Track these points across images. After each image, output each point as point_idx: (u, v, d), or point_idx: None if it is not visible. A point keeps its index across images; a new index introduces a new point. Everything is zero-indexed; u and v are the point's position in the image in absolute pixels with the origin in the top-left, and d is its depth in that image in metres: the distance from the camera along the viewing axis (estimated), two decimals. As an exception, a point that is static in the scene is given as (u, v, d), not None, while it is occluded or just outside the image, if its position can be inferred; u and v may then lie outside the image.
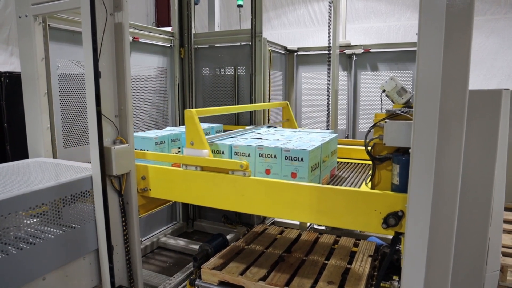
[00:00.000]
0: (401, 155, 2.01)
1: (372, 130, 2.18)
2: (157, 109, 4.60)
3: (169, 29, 4.92)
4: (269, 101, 4.67)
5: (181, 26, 4.78)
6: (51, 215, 2.18)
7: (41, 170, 2.55)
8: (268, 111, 4.71)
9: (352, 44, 5.36)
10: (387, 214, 2.00)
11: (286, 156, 2.46)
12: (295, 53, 5.74)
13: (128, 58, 2.46)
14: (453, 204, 1.63)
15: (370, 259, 3.11)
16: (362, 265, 3.00)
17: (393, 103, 3.51)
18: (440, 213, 1.65)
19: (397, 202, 1.97)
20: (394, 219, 1.96)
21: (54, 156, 3.06)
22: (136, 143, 2.92)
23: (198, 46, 4.82)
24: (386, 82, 3.46)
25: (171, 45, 4.71)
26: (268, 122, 4.71)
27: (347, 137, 5.46)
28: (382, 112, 3.80)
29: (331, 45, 4.86)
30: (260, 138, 2.90)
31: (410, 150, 1.72)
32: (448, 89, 1.58)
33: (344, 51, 5.32)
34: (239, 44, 4.61)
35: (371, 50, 5.24)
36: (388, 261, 2.20)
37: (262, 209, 2.43)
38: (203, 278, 3.11)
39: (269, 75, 4.67)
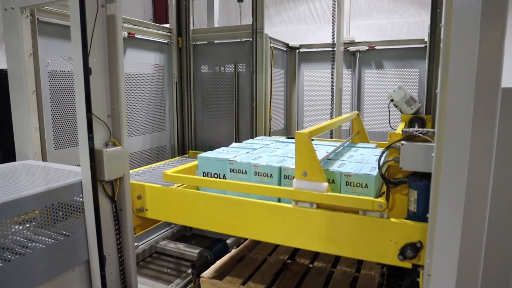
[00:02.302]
0: (419, 180, 1.86)
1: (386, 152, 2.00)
2: (154, 109, 4.42)
3: (166, 26, 4.73)
4: (270, 100, 4.49)
5: (179, 21, 4.59)
6: (37, 224, 2.00)
7: (28, 174, 2.37)
8: (270, 121, 4.52)
9: (356, 41, 5.18)
10: (404, 245, 1.82)
11: (347, 182, 2.08)
12: (297, 50, 5.56)
13: (121, 53, 2.28)
14: (480, 239, 1.44)
15: (378, 266, 2.94)
16: (372, 273, 2.83)
17: (401, 113, 3.36)
18: (468, 252, 1.44)
19: (415, 232, 1.80)
20: (412, 250, 1.78)
21: (44, 158, 2.88)
22: (207, 165, 2.56)
23: (197, 43, 4.64)
24: (394, 91, 3.29)
25: (168, 42, 4.52)
26: (270, 133, 4.52)
27: (351, 137, 5.29)
28: (389, 119, 3.65)
29: (335, 41, 4.68)
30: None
31: (431, 176, 1.54)
32: (482, 90, 1.36)
33: (348, 48, 5.14)
34: (239, 40, 4.43)
35: (376, 47, 5.06)
36: None
37: (262, 233, 2.20)
38: (202, 287, 2.95)
39: (271, 73, 4.49)
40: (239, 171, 2.38)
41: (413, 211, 1.87)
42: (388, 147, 1.95)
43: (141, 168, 3.82)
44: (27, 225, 1.97)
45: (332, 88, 4.88)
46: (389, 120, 3.53)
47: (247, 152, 2.66)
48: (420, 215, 1.82)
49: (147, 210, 2.59)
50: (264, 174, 2.28)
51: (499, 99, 1.34)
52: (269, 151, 2.74)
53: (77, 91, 2.09)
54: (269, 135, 4.52)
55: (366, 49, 5.09)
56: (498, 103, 1.35)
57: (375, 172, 2.04)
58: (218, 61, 4.59)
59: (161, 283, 3.45)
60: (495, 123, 1.36)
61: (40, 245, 1.99)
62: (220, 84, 4.62)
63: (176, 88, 4.66)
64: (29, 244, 1.96)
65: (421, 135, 1.86)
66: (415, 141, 1.88)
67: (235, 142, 4.57)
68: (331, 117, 4.89)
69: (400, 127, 3.04)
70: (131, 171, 3.56)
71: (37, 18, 2.79)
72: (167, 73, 4.58)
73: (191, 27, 4.62)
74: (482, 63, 1.35)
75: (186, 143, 4.84)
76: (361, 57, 5.16)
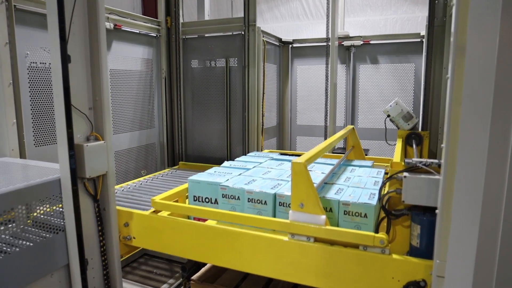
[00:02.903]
0: (422, 213, 1.76)
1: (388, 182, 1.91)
2: (142, 105, 4.24)
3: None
4: (263, 96, 4.34)
5: (168, 13, 4.42)
6: (9, 226, 1.82)
7: (3, 172, 2.18)
8: (263, 117, 4.38)
9: (351, 35, 5.07)
10: (407, 283, 1.71)
11: (345, 211, 1.98)
12: (290, 45, 5.43)
13: (104, 40, 2.11)
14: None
15: None
16: None
17: (398, 128, 3.25)
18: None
19: (419, 270, 1.70)
20: None
21: (23, 155, 2.69)
22: (197, 189, 2.39)
23: (187, 36, 4.47)
24: (391, 106, 3.18)
25: (157, 35, 4.35)
26: (263, 130, 4.38)
27: (345, 134, 5.16)
28: (385, 134, 3.50)
29: (329, 36, 4.55)
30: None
31: (436, 211, 1.43)
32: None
33: (342, 43, 5.02)
34: (230, 34, 4.27)
35: (371, 42, 4.95)
36: None
37: (257, 266, 2.05)
38: (192, 291, 2.80)
39: (263, 67, 4.34)
40: (232, 197, 2.23)
41: (415, 246, 1.78)
42: (390, 178, 1.85)
43: (129, 183, 3.67)
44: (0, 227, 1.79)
45: (326, 84, 4.75)
46: (385, 135, 3.41)
47: (240, 174, 2.51)
48: (423, 250, 1.74)
49: (134, 238, 2.42)
50: (258, 201, 2.14)
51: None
52: (263, 171, 2.59)
53: (54, 80, 1.92)
54: (262, 132, 4.37)
55: (361, 44, 4.97)
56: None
57: (374, 200, 1.94)
58: (209, 55, 4.42)
59: (150, 287, 3.27)
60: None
61: (14, 248, 1.82)
62: (211, 80, 4.46)
63: (165, 83, 4.48)
64: (1, 248, 1.78)
65: (424, 166, 1.75)
66: (418, 172, 1.77)
67: (227, 137, 4.44)
68: (326, 114, 4.75)
69: (398, 146, 2.92)
70: (117, 186, 3.43)
71: (14, 6, 2.61)
72: (156, 67, 4.40)
73: (181, 20, 4.45)
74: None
75: (175, 141, 4.67)
76: (355, 52, 5.05)
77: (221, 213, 2.17)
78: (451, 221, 1.32)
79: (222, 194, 2.25)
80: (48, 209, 2.01)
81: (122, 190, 3.45)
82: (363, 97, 5.10)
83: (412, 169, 1.79)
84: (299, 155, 3.25)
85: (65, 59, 1.89)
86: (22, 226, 1.88)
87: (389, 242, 1.81)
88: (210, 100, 4.49)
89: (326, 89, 4.74)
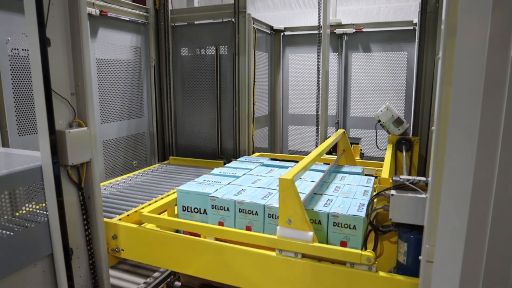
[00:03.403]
0: (409, 231, 1.78)
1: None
2: (131, 93, 4.16)
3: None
4: (254, 84, 4.28)
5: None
6: (-11, 214, 1.76)
7: (-17, 160, 2.12)
8: (253, 105, 4.32)
9: (343, 23, 5.01)
10: None
11: (334, 223, 2.00)
12: (282, 33, 5.36)
13: (85, 23, 2.04)
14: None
15: None
16: None
17: (388, 133, 3.22)
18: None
19: (405, 287, 1.73)
20: None
21: (5, 144, 2.63)
22: (186, 199, 2.39)
23: (176, 24, 4.38)
24: (381, 111, 3.15)
25: (145, 22, 4.26)
26: (254, 119, 4.33)
27: (337, 123, 5.14)
28: (376, 139, 3.46)
29: (321, 24, 4.48)
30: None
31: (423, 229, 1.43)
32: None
33: (335, 31, 4.96)
34: (221, 21, 4.19)
35: (363, 30, 4.90)
36: None
37: (245, 281, 2.06)
38: (182, 280, 2.77)
39: (254, 55, 4.28)
40: (221, 208, 2.24)
41: (402, 263, 1.80)
42: (378, 195, 1.87)
43: (118, 179, 3.62)
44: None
45: (318, 72, 4.69)
46: (376, 140, 3.43)
47: (229, 183, 2.51)
48: (409, 268, 1.76)
49: (123, 250, 2.41)
50: (249, 212, 2.17)
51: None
52: (252, 180, 2.60)
53: (33, 64, 1.85)
54: (253, 121, 4.32)
55: (353, 32, 4.92)
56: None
57: (363, 212, 1.97)
58: (199, 43, 4.35)
59: (138, 277, 3.23)
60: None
61: (-6, 238, 1.76)
62: (201, 68, 4.38)
63: (154, 71, 4.41)
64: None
65: (411, 185, 1.77)
66: (405, 190, 1.79)
67: (218, 126, 4.38)
68: (318, 102, 4.71)
69: (388, 154, 2.90)
70: (105, 183, 3.38)
71: (-7, -11, 2.53)
72: (145, 55, 4.32)
73: (170, 7, 4.36)
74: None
75: (165, 130, 4.60)
76: (348, 40, 4.99)
77: (210, 228, 2.19)
78: (440, 203, 1.28)
79: (212, 205, 2.26)
80: (30, 197, 1.95)
81: (111, 186, 3.40)
82: (355, 86, 5.06)
83: (399, 186, 1.81)
84: (289, 161, 3.27)
85: (44, 42, 1.82)
86: (5, 217, 1.82)
87: (377, 257, 1.84)
88: (200, 89, 4.43)
89: (318, 78, 4.69)
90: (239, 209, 2.18)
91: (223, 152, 4.42)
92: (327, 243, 2.04)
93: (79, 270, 2.16)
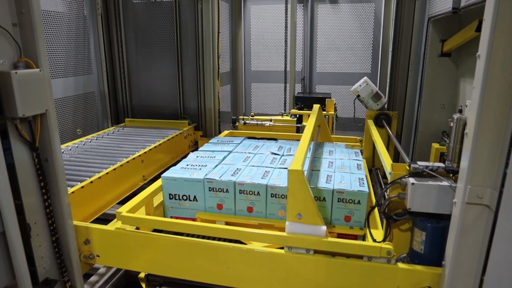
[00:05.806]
0: (427, 219, 1.66)
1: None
2: (76, 47, 3.55)
3: None
4: (218, 35, 3.87)
5: None
6: None
7: None
8: (218, 59, 3.91)
9: (308, -30, 4.68)
10: None
11: (339, 199, 1.97)
12: (242, -18, 4.92)
13: None
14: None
15: None
16: None
17: (367, 108, 3.10)
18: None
19: (425, 278, 1.63)
20: None
21: None
22: (173, 187, 2.14)
23: (125, -36, 3.78)
24: (360, 86, 2.97)
25: (87, -40, 3.60)
26: (219, 75, 3.92)
27: (303, 79, 4.91)
28: (354, 115, 3.28)
29: (287, -31, 4.14)
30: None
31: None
32: None
33: (300, -21, 4.63)
34: (178, -39, 3.68)
35: (330, -22, 4.62)
36: None
37: (250, 283, 1.83)
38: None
39: (218, 2, 3.84)
40: (220, 190, 2.10)
41: (418, 251, 1.69)
42: (393, 183, 1.70)
43: (69, 144, 3.13)
44: None
45: (286, 24, 4.38)
46: (354, 116, 3.29)
47: (217, 165, 2.31)
48: (427, 257, 1.67)
49: (98, 256, 2.03)
50: (251, 192, 2.06)
51: None
52: (241, 158, 2.45)
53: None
54: (218, 76, 3.94)
55: (319, -19, 4.62)
56: None
57: (365, 187, 2.00)
58: (153, -13, 3.81)
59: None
60: None
61: None
62: (157, 17, 3.87)
63: (102, 21, 3.80)
64: None
65: (431, 172, 1.63)
66: (423, 178, 1.64)
67: (179, 83, 3.95)
68: (285, 58, 4.43)
69: (372, 129, 2.76)
70: None
71: None
72: (90, 3, 3.69)
73: None
74: None
75: (118, 89, 4.07)
76: (313, -10, 4.69)
77: (208, 227, 1.88)
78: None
79: (209, 188, 2.10)
80: (-33, 162, 1.48)
81: (63, 152, 2.90)
82: (321, 40, 4.82)
83: (417, 174, 1.66)
84: (268, 139, 2.97)
85: None
86: None
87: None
88: (157, 41, 3.93)
89: (286, 30, 4.38)
90: (240, 190, 2.07)
91: (186, 111, 4.02)
92: (330, 219, 2.00)
93: (40, 250, 1.75)
